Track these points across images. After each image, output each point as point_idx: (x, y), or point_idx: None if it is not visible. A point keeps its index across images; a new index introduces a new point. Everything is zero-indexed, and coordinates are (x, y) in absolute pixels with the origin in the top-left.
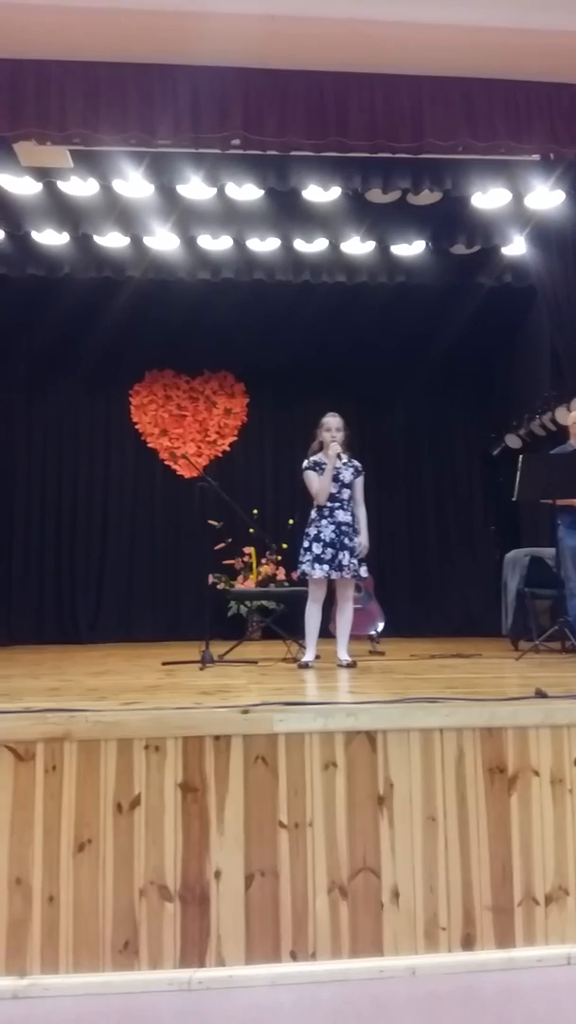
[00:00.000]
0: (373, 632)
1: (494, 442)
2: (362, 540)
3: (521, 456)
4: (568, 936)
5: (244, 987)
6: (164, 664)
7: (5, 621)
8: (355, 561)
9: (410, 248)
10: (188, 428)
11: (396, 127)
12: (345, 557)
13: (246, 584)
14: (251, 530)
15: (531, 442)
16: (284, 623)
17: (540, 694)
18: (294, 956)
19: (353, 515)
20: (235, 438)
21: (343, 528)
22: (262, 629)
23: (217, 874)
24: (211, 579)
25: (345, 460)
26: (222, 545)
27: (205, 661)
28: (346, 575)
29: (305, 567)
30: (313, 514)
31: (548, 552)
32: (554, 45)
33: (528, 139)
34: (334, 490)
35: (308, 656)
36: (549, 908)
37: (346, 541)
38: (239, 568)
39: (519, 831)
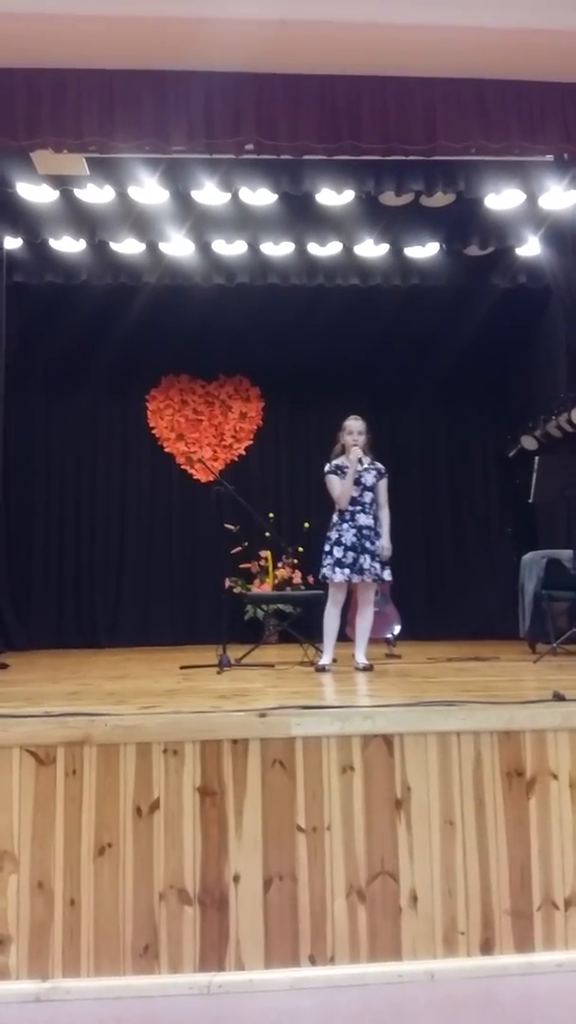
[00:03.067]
0: (390, 635)
1: (510, 444)
2: (384, 543)
3: (537, 458)
4: None
5: (263, 991)
6: (182, 668)
7: (25, 626)
8: (376, 565)
9: (424, 250)
10: (204, 432)
11: (409, 129)
12: (366, 561)
13: (262, 588)
14: (267, 534)
15: (547, 443)
16: (301, 627)
17: (558, 697)
18: (313, 960)
19: (375, 518)
20: (251, 442)
21: (364, 532)
22: (279, 633)
23: (236, 878)
24: (228, 583)
25: (367, 463)
26: (238, 549)
27: (222, 665)
28: (367, 579)
29: (326, 571)
30: (335, 518)
31: (565, 554)
32: (567, 45)
33: (542, 139)
34: (356, 493)
35: (325, 659)
36: (569, 912)
37: (367, 545)
38: (255, 572)
39: (538, 835)
